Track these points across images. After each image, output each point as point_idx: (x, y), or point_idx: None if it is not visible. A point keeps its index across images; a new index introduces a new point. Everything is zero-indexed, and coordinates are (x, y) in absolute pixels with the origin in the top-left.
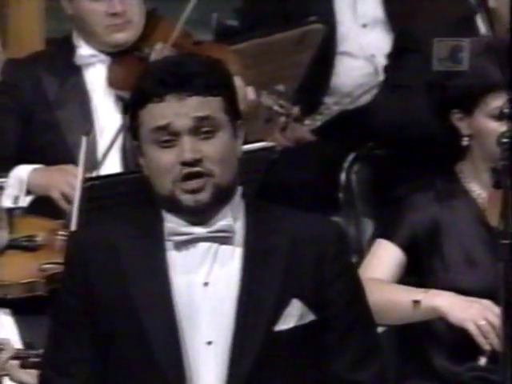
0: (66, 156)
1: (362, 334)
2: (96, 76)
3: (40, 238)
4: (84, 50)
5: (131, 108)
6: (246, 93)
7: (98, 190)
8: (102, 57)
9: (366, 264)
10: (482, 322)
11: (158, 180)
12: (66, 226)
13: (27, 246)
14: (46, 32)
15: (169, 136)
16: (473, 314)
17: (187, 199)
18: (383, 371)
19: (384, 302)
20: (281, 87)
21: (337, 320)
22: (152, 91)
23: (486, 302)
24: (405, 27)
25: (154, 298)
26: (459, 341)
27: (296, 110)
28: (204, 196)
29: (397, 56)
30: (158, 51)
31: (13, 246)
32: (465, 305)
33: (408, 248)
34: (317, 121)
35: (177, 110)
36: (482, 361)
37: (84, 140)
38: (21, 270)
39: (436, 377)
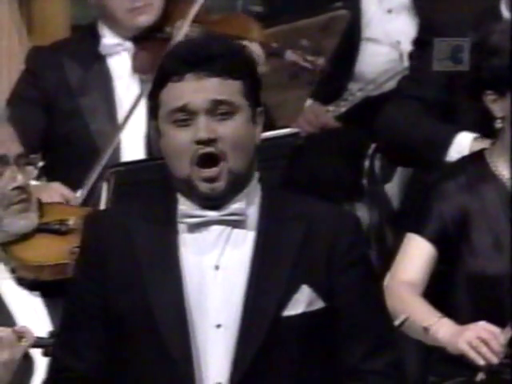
0: (88, 144)
1: (374, 325)
2: (120, 63)
3: (71, 221)
4: (108, 40)
5: (152, 87)
6: (252, 50)
7: (122, 176)
8: (127, 45)
9: (398, 261)
10: (473, 340)
11: (175, 161)
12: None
13: (58, 230)
14: (71, 19)
15: (185, 115)
16: (465, 335)
17: (203, 187)
18: (398, 361)
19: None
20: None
21: (348, 310)
22: (172, 70)
23: (480, 323)
24: (428, 17)
25: (165, 280)
26: None
27: (321, 61)
28: (220, 185)
29: (419, 49)
30: (179, 29)
31: (44, 229)
32: (460, 331)
33: (438, 240)
34: (341, 107)
35: (194, 91)
36: (479, 376)
37: (105, 185)
38: (52, 252)
39: (462, 364)
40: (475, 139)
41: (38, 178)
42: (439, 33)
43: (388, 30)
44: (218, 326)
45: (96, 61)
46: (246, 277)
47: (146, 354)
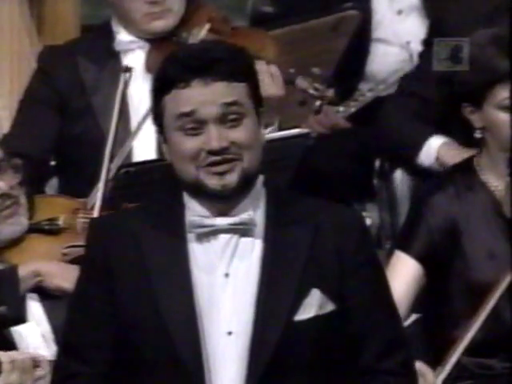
0: (100, 143)
1: (386, 324)
2: (134, 61)
3: (61, 221)
4: (123, 36)
5: (155, 93)
6: (271, 71)
7: (132, 176)
8: (141, 43)
9: None
10: None
11: (182, 167)
12: (87, 206)
13: (49, 230)
14: (82, 19)
15: (194, 123)
16: None
17: (213, 183)
18: (410, 361)
19: None
20: (316, 70)
21: (359, 311)
22: (177, 76)
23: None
24: (438, 18)
25: (175, 288)
26: (489, 336)
27: (331, 93)
28: (231, 179)
29: (428, 49)
30: (196, 36)
31: (34, 229)
32: None
33: (425, 258)
34: (351, 107)
35: (203, 97)
36: None
37: (122, 77)
38: (44, 254)
39: (466, 373)
40: (444, 144)
41: (49, 177)
42: (449, 33)
43: (398, 31)
44: (230, 333)
45: (110, 58)
46: (256, 283)
47: (157, 362)
